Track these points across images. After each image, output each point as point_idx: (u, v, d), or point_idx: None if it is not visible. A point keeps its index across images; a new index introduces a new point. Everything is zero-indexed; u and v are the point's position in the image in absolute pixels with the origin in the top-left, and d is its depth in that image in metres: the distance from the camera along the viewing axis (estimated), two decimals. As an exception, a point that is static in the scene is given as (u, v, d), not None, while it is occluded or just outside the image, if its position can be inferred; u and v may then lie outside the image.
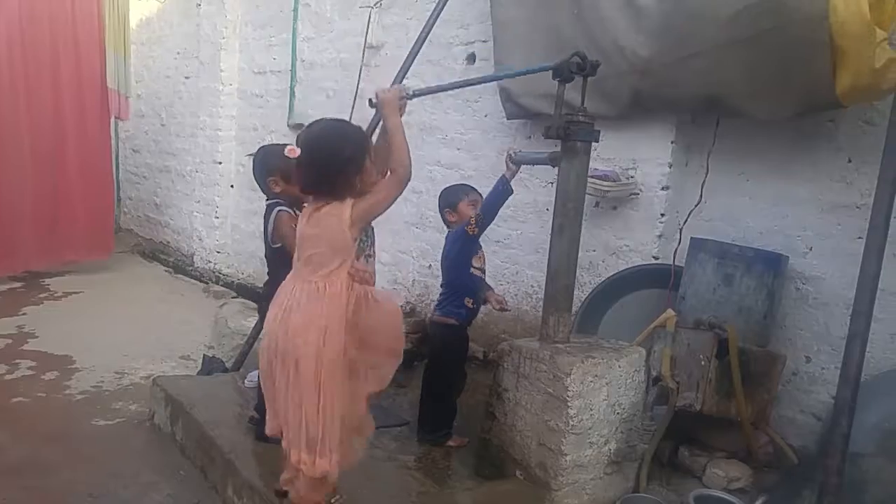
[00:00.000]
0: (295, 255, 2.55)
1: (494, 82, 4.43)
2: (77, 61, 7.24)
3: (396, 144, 2.45)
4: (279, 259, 3.15)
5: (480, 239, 3.40)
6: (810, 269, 3.45)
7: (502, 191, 3.28)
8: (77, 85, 7.28)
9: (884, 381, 3.11)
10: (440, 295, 3.47)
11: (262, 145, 3.57)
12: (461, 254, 3.36)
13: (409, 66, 4.43)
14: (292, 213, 3.16)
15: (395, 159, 2.43)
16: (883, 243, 2.70)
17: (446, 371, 3.39)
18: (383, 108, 2.55)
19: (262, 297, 3.46)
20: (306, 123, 6.17)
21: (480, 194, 3.44)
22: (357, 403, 2.51)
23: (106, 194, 7.77)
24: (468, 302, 3.37)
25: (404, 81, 4.25)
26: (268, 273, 3.33)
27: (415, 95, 2.78)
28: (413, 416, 3.51)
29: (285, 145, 3.45)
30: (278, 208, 3.16)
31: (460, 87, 4.06)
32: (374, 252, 2.64)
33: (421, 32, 4.45)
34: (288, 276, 2.56)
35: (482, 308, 3.55)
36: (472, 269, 3.37)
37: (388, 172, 2.47)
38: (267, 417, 2.56)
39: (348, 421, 2.48)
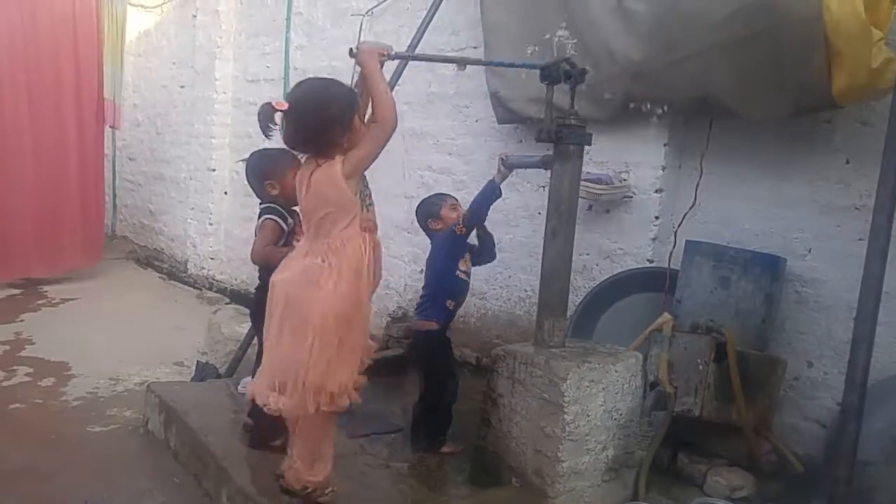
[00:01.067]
0: (304, 224, 2.62)
1: (486, 89, 4.43)
2: (77, 73, 7.34)
3: (377, 92, 2.47)
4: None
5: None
6: (810, 272, 3.42)
7: (491, 192, 3.28)
8: (76, 95, 7.36)
9: (890, 386, 3.06)
10: (420, 297, 3.46)
11: (254, 150, 3.57)
12: (449, 255, 3.35)
13: (401, 72, 4.42)
14: (278, 222, 3.17)
15: (377, 108, 2.45)
16: (886, 245, 2.64)
17: (434, 377, 3.36)
18: (361, 56, 2.54)
19: (253, 304, 3.46)
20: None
21: (456, 199, 3.47)
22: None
23: (97, 203, 7.80)
24: (449, 304, 3.35)
25: (396, 89, 4.24)
26: (259, 278, 3.33)
27: (396, 56, 2.77)
28: (406, 422, 3.49)
29: (279, 149, 3.46)
30: (265, 216, 3.16)
31: (446, 61, 4.08)
32: (372, 201, 2.61)
33: (412, 39, 4.44)
34: (301, 242, 2.64)
35: (474, 314, 3.53)
36: (458, 272, 3.35)
37: (373, 122, 2.50)
38: (259, 376, 2.61)
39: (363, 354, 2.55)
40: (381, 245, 2.64)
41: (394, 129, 2.47)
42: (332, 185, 2.44)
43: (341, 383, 2.47)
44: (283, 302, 2.52)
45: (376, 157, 2.49)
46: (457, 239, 3.32)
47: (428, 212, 3.47)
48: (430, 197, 3.59)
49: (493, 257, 3.58)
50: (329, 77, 2.67)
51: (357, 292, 2.48)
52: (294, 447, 2.64)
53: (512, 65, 3.53)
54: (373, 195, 2.63)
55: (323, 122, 2.42)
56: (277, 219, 3.21)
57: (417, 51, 4.47)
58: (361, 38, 5.55)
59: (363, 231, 2.50)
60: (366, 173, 2.56)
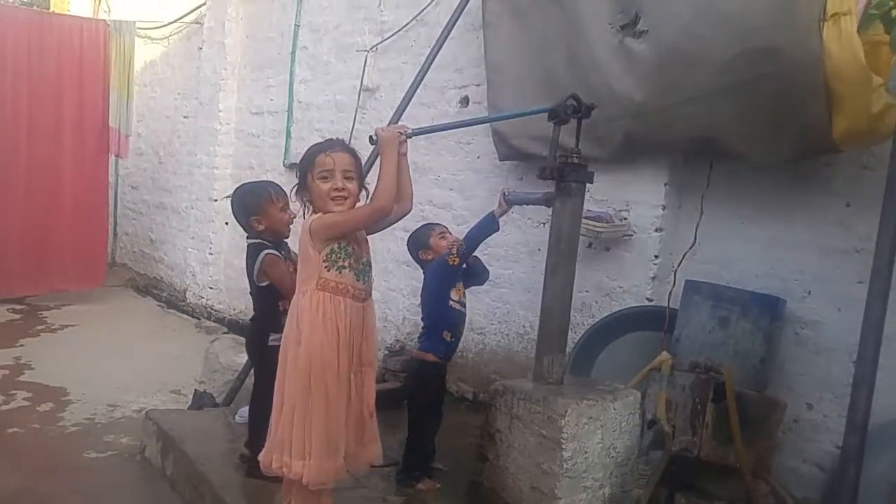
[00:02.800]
0: None
1: (489, 126, 4.47)
2: (80, 100, 7.51)
3: (385, 178, 2.57)
4: (265, 297, 3.19)
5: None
6: (809, 314, 3.42)
7: (488, 225, 3.29)
8: (78, 122, 7.52)
9: (891, 430, 3.03)
10: (421, 329, 3.45)
11: (238, 185, 3.61)
12: (442, 286, 3.33)
13: (405, 108, 4.47)
14: (279, 254, 3.19)
15: (378, 190, 2.55)
16: (887, 288, 2.65)
17: (419, 410, 3.34)
18: (381, 145, 2.64)
19: (250, 333, 3.47)
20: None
21: (444, 227, 3.50)
22: (339, 416, 2.57)
23: (99, 228, 7.91)
24: (446, 335, 3.32)
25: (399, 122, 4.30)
26: (255, 310, 3.34)
27: (414, 134, 2.85)
28: (403, 456, 3.46)
29: (263, 182, 3.54)
30: (266, 251, 3.19)
31: (457, 127, 4.11)
32: (356, 266, 2.61)
33: (416, 76, 4.51)
34: None
35: (472, 349, 3.52)
36: (451, 302, 3.33)
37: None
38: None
39: (332, 433, 2.54)
40: (372, 308, 2.71)
41: (381, 216, 2.61)
42: (302, 241, 2.58)
43: (289, 442, 2.52)
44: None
45: (352, 230, 2.60)
46: (449, 269, 3.31)
47: (417, 242, 3.48)
48: (418, 228, 3.58)
49: (486, 276, 3.54)
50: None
51: (310, 349, 2.51)
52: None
53: (519, 114, 3.55)
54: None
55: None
56: (274, 252, 3.22)
57: (421, 88, 4.55)
58: (366, 77, 5.63)
59: (319, 289, 2.54)
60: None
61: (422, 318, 3.46)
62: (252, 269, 3.24)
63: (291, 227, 3.30)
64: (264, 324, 3.24)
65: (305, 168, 2.61)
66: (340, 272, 2.56)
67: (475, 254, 3.41)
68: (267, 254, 3.18)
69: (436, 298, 3.35)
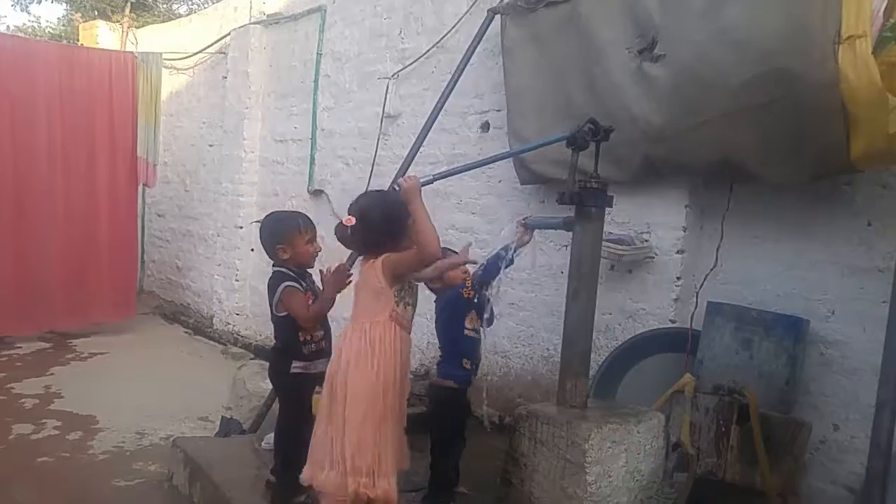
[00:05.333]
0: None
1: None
2: (111, 131, 7.64)
3: (422, 226, 2.75)
4: (285, 326, 3.23)
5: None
6: (834, 334, 3.40)
7: (506, 259, 3.29)
8: (110, 153, 7.65)
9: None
10: (440, 356, 3.46)
11: (270, 212, 3.64)
12: (455, 315, 3.35)
13: (426, 134, 4.53)
14: (298, 286, 3.20)
15: (421, 238, 2.73)
16: (909, 307, 2.67)
17: (439, 436, 3.33)
18: (405, 196, 2.80)
19: (271, 362, 3.49)
20: (326, 190, 6.27)
21: (453, 250, 3.51)
22: (401, 436, 2.85)
23: (130, 258, 8.03)
24: (465, 363, 3.33)
25: (421, 150, 4.35)
26: (275, 337, 3.37)
27: (434, 179, 3.05)
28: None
29: (292, 212, 3.58)
30: (285, 284, 3.21)
31: (477, 167, 4.17)
32: (413, 303, 2.91)
33: (437, 102, 4.56)
34: (346, 327, 2.88)
35: (497, 372, 3.52)
36: (466, 331, 3.34)
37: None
38: (308, 462, 2.81)
39: (397, 452, 2.78)
40: (411, 342, 2.91)
41: (431, 259, 2.80)
42: (372, 276, 2.78)
43: (369, 464, 2.66)
44: (331, 390, 2.80)
45: (409, 271, 2.84)
46: (462, 300, 3.33)
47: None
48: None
49: (491, 321, 3.45)
50: (383, 190, 3.06)
51: (380, 374, 2.73)
52: None
53: (537, 146, 3.58)
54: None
55: (389, 227, 2.81)
56: (293, 283, 3.23)
57: (442, 114, 4.60)
58: (387, 104, 5.70)
59: (391, 321, 2.78)
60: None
61: (439, 347, 3.48)
62: (271, 297, 3.27)
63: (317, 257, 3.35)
64: (286, 352, 3.27)
65: (407, 219, 2.78)
66: (405, 308, 2.84)
67: (489, 295, 3.40)
68: (286, 286, 3.20)
69: (451, 327, 3.37)
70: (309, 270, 3.36)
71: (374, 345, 2.74)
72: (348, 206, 2.95)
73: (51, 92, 7.17)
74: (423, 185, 2.84)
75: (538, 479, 2.91)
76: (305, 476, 2.81)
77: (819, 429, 3.36)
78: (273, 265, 3.36)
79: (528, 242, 3.37)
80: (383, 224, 2.81)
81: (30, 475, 4.02)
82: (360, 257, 2.95)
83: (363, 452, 2.67)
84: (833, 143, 3.03)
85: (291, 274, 3.25)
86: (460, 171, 3.94)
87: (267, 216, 3.53)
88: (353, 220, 2.81)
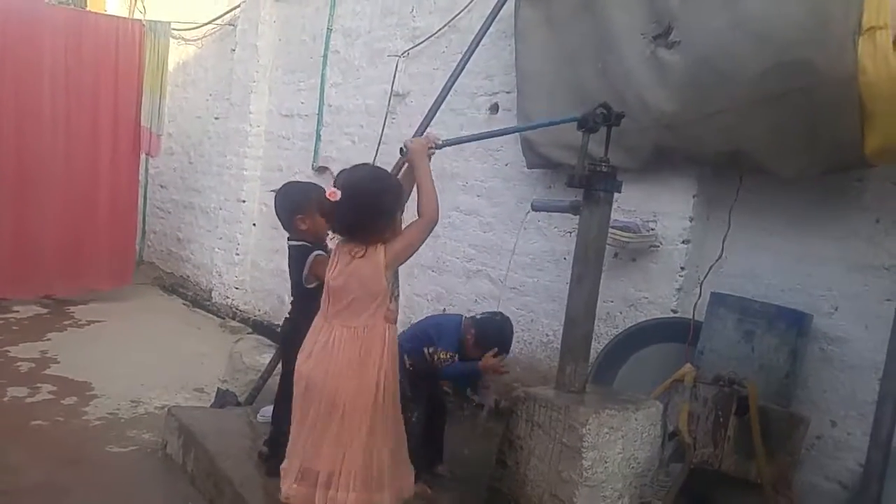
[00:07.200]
0: (324, 299, 2.63)
1: (517, 133, 4.48)
2: (115, 99, 7.61)
3: (425, 190, 2.57)
4: (311, 298, 3.15)
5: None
6: (836, 330, 3.38)
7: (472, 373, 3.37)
8: (113, 121, 7.63)
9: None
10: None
11: (287, 182, 3.58)
12: (415, 346, 3.35)
13: (434, 114, 4.49)
14: (327, 255, 3.16)
15: (423, 204, 2.55)
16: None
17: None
18: (413, 156, 2.66)
19: (285, 333, 3.43)
20: (330, 167, 6.24)
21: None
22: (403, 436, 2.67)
23: (129, 227, 8.02)
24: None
25: (428, 130, 4.31)
26: (293, 310, 3.32)
27: (444, 145, 2.89)
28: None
29: (311, 184, 3.49)
30: (315, 253, 3.17)
31: (487, 137, 4.12)
32: (399, 293, 2.71)
33: (446, 82, 4.52)
34: (316, 322, 2.65)
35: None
36: (407, 364, 3.24)
37: (417, 216, 2.58)
38: (287, 460, 2.64)
39: (398, 454, 2.63)
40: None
41: (435, 224, 2.60)
42: (371, 272, 2.52)
43: (379, 466, 2.54)
44: (313, 392, 2.57)
45: (415, 250, 2.60)
46: (426, 358, 3.34)
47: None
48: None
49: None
50: (377, 167, 2.80)
51: (380, 384, 2.54)
52: None
53: (549, 123, 3.55)
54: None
55: (376, 212, 2.53)
56: (322, 252, 3.18)
57: (451, 94, 4.56)
58: (396, 82, 5.66)
59: (385, 321, 2.57)
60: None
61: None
62: (298, 270, 3.21)
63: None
64: (303, 324, 3.23)
65: (399, 202, 2.61)
66: (395, 302, 2.64)
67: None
68: (317, 255, 3.15)
69: (412, 345, 3.36)
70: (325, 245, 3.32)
71: (372, 352, 2.54)
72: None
73: (56, 57, 7.14)
74: (433, 151, 2.72)
75: (534, 461, 2.90)
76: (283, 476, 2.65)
77: (816, 424, 3.34)
78: (288, 239, 3.31)
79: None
80: (371, 208, 2.52)
81: (23, 437, 4.03)
82: (340, 240, 2.67)
83: (368, 462, 2.52)
84: (847, 137, 2.99)
85: (310, 246, 3.21)
86: (470, 140, 3.90)
87: (284, 185, 3.49)
88: (338, 195, 2.50)
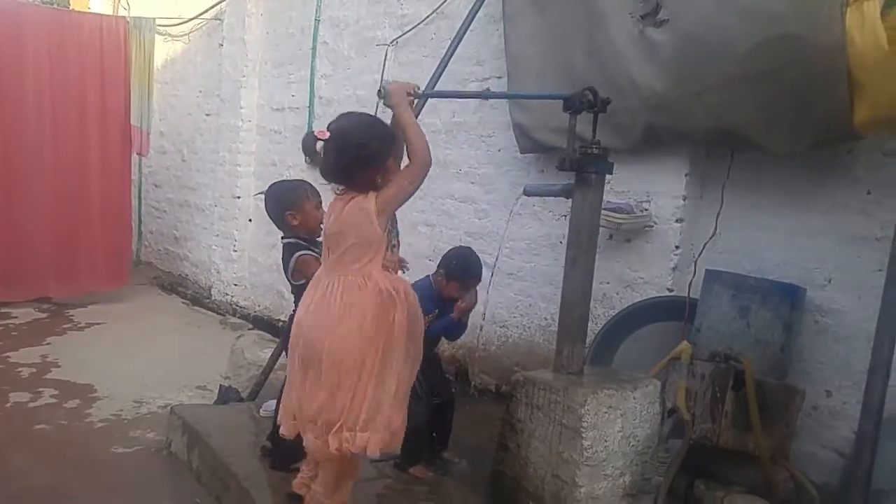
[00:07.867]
0: (324, 252, 2.62)
1: (509, 119, 4.50)
2: (102, 98, 7.52)
3: (410, 133, 2.51)
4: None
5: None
6: (829, 302, 3.42)
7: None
8: (101, 120, 7.54)
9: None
10: None
11: (273, 183, 3.62)
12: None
13: (425, 102, 4.49)
14: (311, 253, 3.19)
15: (411, 148, 2.49)
16: (905, 274, 2.67)
17: None
18: (391, 99, 2.59)
19: (286, 328, 3.46)
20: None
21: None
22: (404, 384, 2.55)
23: (124, 227, 7.96)
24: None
25: (419, 118, 4.31)
26: (294, 302, 3.35)
27: (424, 95, 2.77)
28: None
29: (298, 180, 3.51)
30: (299, 253, 3.20)
31: (471, 97, 4.10)
32: (398, 242, 2.66)
33: (436, 69, 4.52)
34: (318, 274, 2.63)
35: (495, 342, 3.52)
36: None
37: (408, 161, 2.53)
38: (281, 414, 2.64)
39: (397, 398, 2.51)
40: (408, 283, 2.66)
41: (428, 168, 2.51)
42: (363, 219, 2.46)
43: (388, 422, 2.48)
44: (308, 345, 2.53)
45: (410, 195, 2.54)
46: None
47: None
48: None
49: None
50: (369, 114, 2.70)
51: (385, 329, 2.47)
52: (318, 475, 2.66)
53: (536, 96, 3.58)
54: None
55: (361, 157, 2.46)
56: (306, 251, 3.21)
57: (441, 81, 4.55)
58: (386, 71, 5.65)
59: (384, 269, 2.52)
60: (396, 213, 2.61)
61: None
62: (287, 267, 3.24)
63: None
64: None
65: (390, 148, 2.53)
66: (393, 251, 2.58)
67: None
68: (300, 255, 3.18)
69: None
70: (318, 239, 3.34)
71: (368, 300, 2.45)
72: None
73: (40, 57, 7.05)
74: (412, 98, 2.63)
75: (535, 444, 2.93)
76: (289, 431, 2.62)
77: (812, 395, 3.38)
78: (282, 237, 3.33)
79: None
80: (359, 151, 2.45)
81: (27, 442, 4.02)
82: (333, 187, 2.60)
83: (387, 404, 2.47)
84: (837, 109, 3.00)
85: (303, 243, 3.24)
86: (454, 97, 3.87)
87: (271, 186, 3.51)
88: (326, 135, 2.48)
